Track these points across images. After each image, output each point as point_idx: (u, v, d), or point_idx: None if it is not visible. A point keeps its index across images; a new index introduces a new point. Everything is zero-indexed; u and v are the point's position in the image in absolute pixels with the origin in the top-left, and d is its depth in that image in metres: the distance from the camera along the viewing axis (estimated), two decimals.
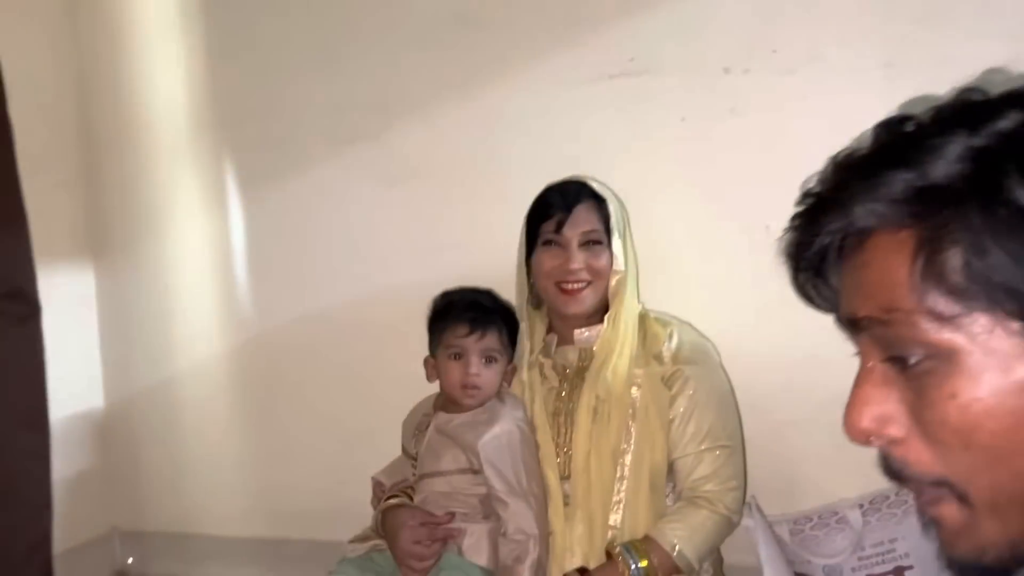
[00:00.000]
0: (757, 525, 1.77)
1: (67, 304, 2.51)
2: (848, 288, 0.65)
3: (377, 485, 1.81)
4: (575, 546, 1.62)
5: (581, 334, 1.73)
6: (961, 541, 0.63)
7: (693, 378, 1.67)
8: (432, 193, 2.28)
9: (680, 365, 1.68)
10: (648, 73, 2.06)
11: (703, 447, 1.64)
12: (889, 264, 0.60)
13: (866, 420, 0.63)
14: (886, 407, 0.63)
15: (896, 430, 0.63)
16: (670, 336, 1.72)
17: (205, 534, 2.61)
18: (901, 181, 0.59)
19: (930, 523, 0.64)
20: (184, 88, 2.53)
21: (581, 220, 1.68)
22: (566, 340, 1.75)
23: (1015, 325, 0.57)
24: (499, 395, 1.71)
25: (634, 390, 1.66)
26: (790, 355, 2.00)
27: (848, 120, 1.82)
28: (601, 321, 1.71)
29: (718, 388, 1.72)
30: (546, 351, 1.77)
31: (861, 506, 1.87)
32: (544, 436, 1.69)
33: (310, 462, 2.46)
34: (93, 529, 2.62)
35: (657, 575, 1.55)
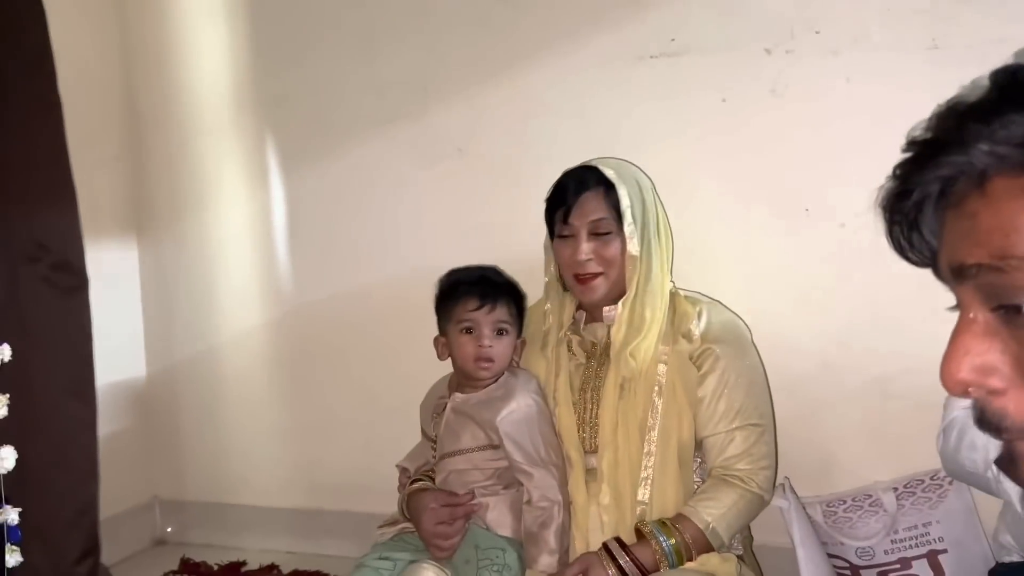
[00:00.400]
0: (791, 506, 1.77)
1: (111, 277, 2.56)
2: (955, 236, 0.63)
3: (402, 471, 1.84)
4: (603, 515, 1.64)
5: (610, 312, 1.73)
6: None
7: (723, 356, 1.66)
8: (471, 173, 2.29)
9: (709, 344, 1.67)
10: (689, 53, 2.05)
11: (734, 425, 1.64)
12: (1007, 209, 0.59)
13: (965, 371, 0.62)
14: (988, 357, 0.61)
15: (997, 381, 0.61)
16: (699, 314, 1.71)
17: (243, 504, 2.66)
18: (1021, 124, 0.59)
19: (1017, 467, 0.64)
20: (227, 67, 2.57)
21: (588, 209, 1.66)
22: (595, 317, 1.76)
23: None
24: (511, 370, 1.73)
25: (660, 367, 1.66)
26: (826, 338, 1.99)
27: (892, 102, 1.80)
28: None
29: (749, 366, 1.71)
30: (575, 328, 1.78)
31: (895, 489, 1.86)
32: (567, 409, 1.70)
33: (347, 435, 2.50)
34: (134, 498, 2.69)
35: (690, 552, 1.56)
